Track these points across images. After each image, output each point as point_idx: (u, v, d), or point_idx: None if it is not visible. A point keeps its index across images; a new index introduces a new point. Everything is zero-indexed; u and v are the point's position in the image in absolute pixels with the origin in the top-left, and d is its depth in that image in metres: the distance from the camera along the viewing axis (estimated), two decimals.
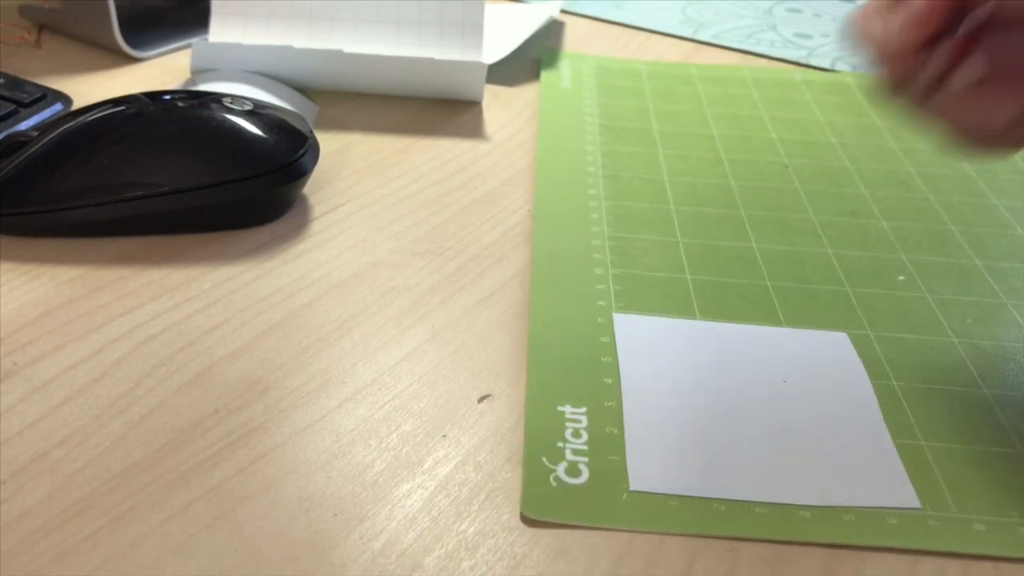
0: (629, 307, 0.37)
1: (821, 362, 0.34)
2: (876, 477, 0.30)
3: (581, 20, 0.68)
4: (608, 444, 0.30)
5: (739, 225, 0.43)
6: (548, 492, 0.28)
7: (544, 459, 0.30)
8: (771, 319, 0.37)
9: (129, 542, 0.26)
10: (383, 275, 0.38)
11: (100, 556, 0.26)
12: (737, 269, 0.40)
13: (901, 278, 0.39)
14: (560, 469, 0.29)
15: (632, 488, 0.29)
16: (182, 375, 0.32)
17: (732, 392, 0.33)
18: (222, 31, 0.53)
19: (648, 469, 0.29)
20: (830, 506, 0.28)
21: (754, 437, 0.31)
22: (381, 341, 0.35)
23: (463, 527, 0.27)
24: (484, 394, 0.32)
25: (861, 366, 0.34)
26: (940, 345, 0.36)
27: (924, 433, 0.31)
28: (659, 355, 0.34)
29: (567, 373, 0.33)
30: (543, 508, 0.28)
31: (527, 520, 0.28)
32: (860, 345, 0.35)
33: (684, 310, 0.37)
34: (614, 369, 0.33)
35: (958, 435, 0.31)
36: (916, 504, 0.29)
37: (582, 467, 0.29)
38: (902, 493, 0.29)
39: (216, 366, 0.33)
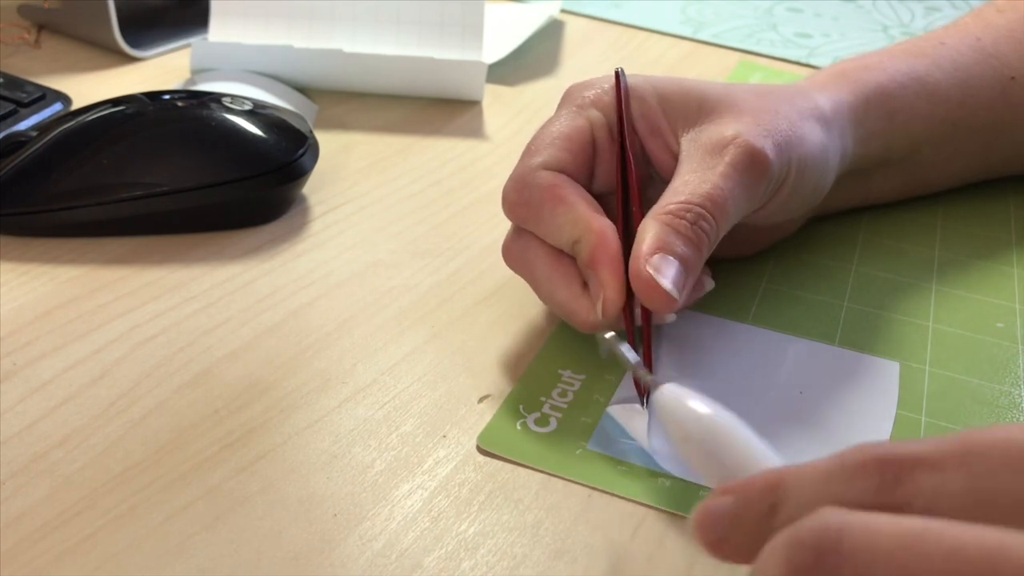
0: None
1: (853, 384, 0.33)
2: None
3: (581, 20, 0.68)
4: (588, 408, 0.32)
5: (849, 246, 0.42)
6: (509, 432, 0.31)
7: (521, 407, 0.32)
8: (826, 337, 0.36)
9: (129, 542, 0.26)
10: (383, 275, 0.38)
11: (100, 556, 0.26)
12: (820, 286, 0.39)
13: (1000, 325, 0.37)
14: (531, 418, 0.31)
15: (589, 447, 0.30)
16: (182, 375, 0.32)
17: (737, 391, 0.33)
18: (222, 31, 0.52)
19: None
20: None
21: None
22: (381, 341, 0.35)
23: (463, 527, 0.27)
24: (484, 394, 0.32)
25: (895, 395, 0.33)
26: (999, 394, 0.34)
27: None
28: (684, 346, 0.34)
29: (586, 344, 0.34)
30: (498, 443, 0.30)
31: (481, 450, 0.30)
32: (909, 377, 0.34)
33: (737, 313, 0.37)
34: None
35: None
36: None
37: (553, 420, 0.31)
38: None
39: (216, 366, 0.33)
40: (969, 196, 0.46)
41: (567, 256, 0.33)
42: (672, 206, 0.31)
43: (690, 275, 0.31)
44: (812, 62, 0.63)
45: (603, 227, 0.31)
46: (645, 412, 0.31)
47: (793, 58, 0.64)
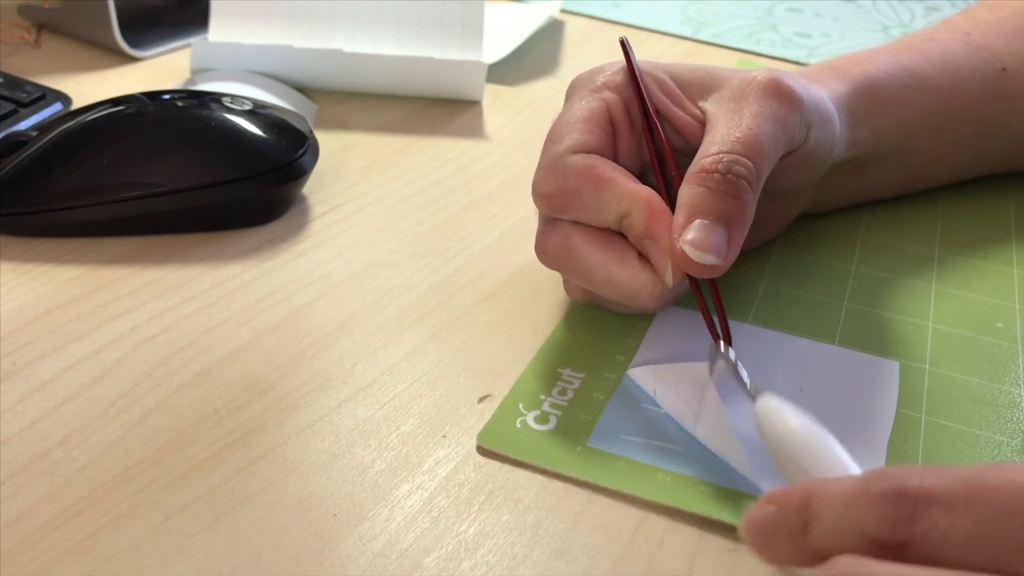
0: (682, 302, 0.36)
1: (853, 383, 0.33)
2: None
3: (581, 19, 0.68)
4: (588, 405, 0.32)
5: (849, 246, 0.42)
6: (509, 430, 0.30)
7: (520, 405, 0.32)
8: (826, 336, 0.36)
9: (129, 542, 0.26)
10: (383, 275, 0.38)
11: (100, 556, 0.26)
12: (820, 286, 0.39)
13: (1000, 325, 0.37)
14: (531, 416, 0.31)
15: (590, 444, 0.30)
16: (182, 375, 0.32)
17: (737, 390, 0.33)
18: (222, 31, 0.53)
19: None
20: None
21: (733, 428, 0.31)
22: (381, 341, 0.35)
23: (463, 527, 0.27)
24: (484, 394, 0.32)
25: (895, 394, 0.33)
26: (999, 393, 0.33)
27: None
28: (683, 346, 0.34)
29: (587, 343, 0.35)
30: (498, 441, 0.30)
31: (481, 450, 0.30)
32: (910, 376, 0.34)
33: (737, 313, 0.37)
34: (633, 350, 0.34)
35: None
36: None
37: (552, 418, 0.31)
38: None
39: (216, 366, 0.33)
40: (969, 196, 0.46)
41: (616, 234, 0.32)
42: (704, 161, 0.31)
43: (735, 228, 0.30)
44: (812, 62, 0.63)
45: (651, 196, 0.31)
46: (668, 377, 0.31)
47: (793, 58, 0.64)
